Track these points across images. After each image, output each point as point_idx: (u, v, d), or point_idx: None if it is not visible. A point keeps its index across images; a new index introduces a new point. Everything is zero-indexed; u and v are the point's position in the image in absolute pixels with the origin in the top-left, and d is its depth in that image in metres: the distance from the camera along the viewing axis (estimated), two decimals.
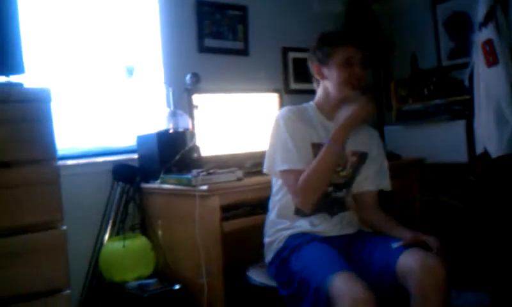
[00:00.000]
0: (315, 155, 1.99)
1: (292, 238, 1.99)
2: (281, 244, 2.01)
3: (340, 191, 2.08)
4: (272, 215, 2.11)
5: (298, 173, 1.97)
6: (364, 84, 2.01)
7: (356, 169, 2.11)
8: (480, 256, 2.88)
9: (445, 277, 1.70)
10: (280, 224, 2.06)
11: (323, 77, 2.06)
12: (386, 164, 2.20)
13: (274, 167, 2.06)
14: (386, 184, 2.18)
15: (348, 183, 2.11)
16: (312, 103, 2.13)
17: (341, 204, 2.09)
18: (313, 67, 2.09)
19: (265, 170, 2.11)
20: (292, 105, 2.12)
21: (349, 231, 2.07)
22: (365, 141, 2.13)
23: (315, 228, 2.01)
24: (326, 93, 2.07)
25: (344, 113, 1.96)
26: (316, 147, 2.00)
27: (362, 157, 2.11)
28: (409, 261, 1.74)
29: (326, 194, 2.04)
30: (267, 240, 2.10)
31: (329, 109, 2.06)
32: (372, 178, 2.14)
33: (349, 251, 1.95)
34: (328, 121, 2.06)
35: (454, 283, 2.76)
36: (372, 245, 1.93)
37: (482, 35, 2.96)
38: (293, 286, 1.83)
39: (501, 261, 2.78)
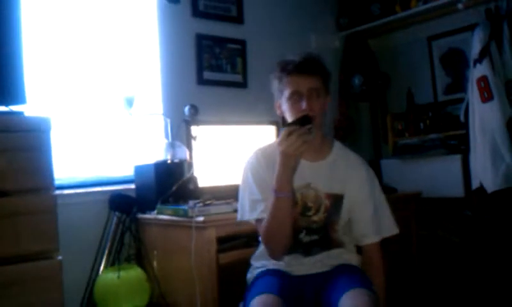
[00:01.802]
0: None
1: (257, 275, 1.96)
2: (249, 283, 2.00)
3: (316, 234, 1.97)
4: (255, 253, 2.09)
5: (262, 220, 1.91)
6: (316, 115, 1.83)
7: (330, 213, 1.94)
8: (478, 290, 2.87)
9: None
10: (257, 263, 2.04)
11: (281, 113, 1.97)
12: (383, 204, 2.02)
13: (243, 217, 1.99)
14: (387, 230, 2.01)
15: (324, 227, 1.96)
16: None
17: (323, 245, 1.97)
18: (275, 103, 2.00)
19: (238, 218, 2.02)
20: (262, 147, 2.04)
21: (325, 269, 1.95)
22: (344, 180, 1.95)
23: (289, 268, 1.95)
24: None
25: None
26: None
27: (337, 200, 1.95)
28: (346, 303, 1.69)
29: (297, 239, 1.95)
30: (247, 276, 2.08)
31: None
32: (371, 228, 1.97)
33: (317, 290, 1.88)
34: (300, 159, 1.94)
35: None
36: (330, 284, 1.85)
37: (477, 71, 3.02)
38: None
39: (497, 296, 2.77)
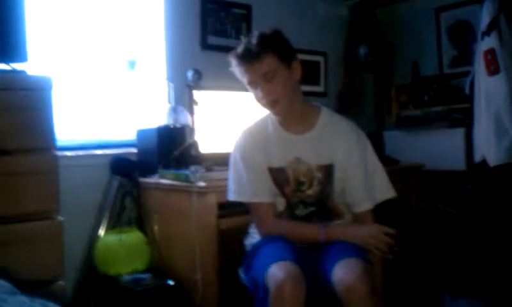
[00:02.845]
0: (272, 178, 1.95)
1: (256, 242, 1.98)
2: (248, 249, 2.02)
3: (313, 206, 1.99)
4: (251, 224, 2.11)
5: (254, 204, 1.97)
6: (279, 95, 1.89)
7: (324, 185, 1.96)
8: (474, 264, 2.88)
9: (366, 291, 1.65)
10: (253, 234, 2.07)
11: None
12: (376, 168, 2.02)
13: (230, 197, 2.03)
14: (382, 194, 2.02)
15: (320, 200, 1.98)
16: (270, 114, 2.04)
17: (322, 215, 1.99)
18: None
19: (227, 197, 2.06)
20: (250, 126, 2.07)
21: None
22: (334, 148, 1.96)
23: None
24: None
25: (359, 230, 1.87)
26: (273, 171, 1.95)
27: (328, 170, 1.96)
28: (338, 273, 1.71)
29: (294, 214, 1.99)
30: (244, 242, 2.11)
31: (284, 120, 1.99)
32: (362, 195, 1.97)
33: (310, 257, 1.90)
34: (287, 133, 1.98)
35: (448, 290, 2.77)
36: (324, 253, 1.87)
37: (485, 44, 2.97)
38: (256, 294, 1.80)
39: (494, 269, 2.78)
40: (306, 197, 1.96)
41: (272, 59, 1.86)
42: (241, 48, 1.88)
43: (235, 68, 1.93)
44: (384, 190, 2.02)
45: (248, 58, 1.86)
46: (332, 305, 1.73)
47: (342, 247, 1.83)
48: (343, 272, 1.69)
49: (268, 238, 1.93)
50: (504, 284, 2.70)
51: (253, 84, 1.90)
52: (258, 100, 1.93)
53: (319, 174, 1.94)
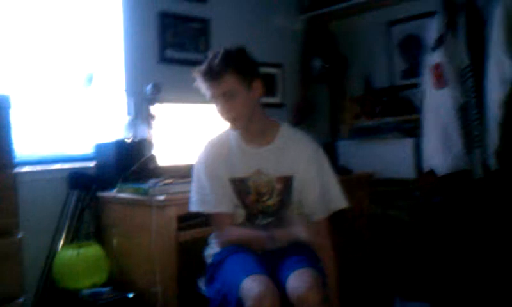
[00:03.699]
0: (234, 189, 2.02)
1: (219, 253, 2.03)
2: (210, 260, 2.07)
3: (272, 217, 2.06)
4: (212, 235, 2.16)
5: (216, 215, 2.03)
6: (237, 114, 1.96)
7: (283, 195, 2.04)
8: (423, 268, 3.02)
9: (318, 300, 1.71)
10: (213, 244, 2.12)
11: None
12: (331, 180, 2.10)
13: (193, 208, 2.09)
14: (336, 204, 2.10)
15: (278, 209, 2.05)
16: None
17: (279, 225, 2.04)
18: None
19: (189, 208, 2.10)
20: (212, 139, 2.13)
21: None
22: (292, 161, 2.04)
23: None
24: None
25: (297, 227, 1.95)
26: (235, 182, 2.02)
27: (288, 182, 2.04)
28: (291, 283, 1.78)
29: (254, 224, 2.05)
30: (204, 253, 2.16)
31: (244, 135, 2.06)
32: (318, 205, 2.06)
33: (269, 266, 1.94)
34: (248, 146, 2.05)
35: (399, 293, 2.89)
36: (281, 262, 1.94)
37: (432, 59, 3.11)
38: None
39: (441, 273, 2.93)
40: (266, 207, 2.04)
41: (232, 78, 1.92)
42: (204, 66, 1.94)
43: (199, 83, 1.99)
44: (339, 201, 2.10)
45: (209, 76, 1.92)
46: None
47: (295, 257, 1.90)
48: (296, 283, 1.76)
49: (231, 249, 1.98)
50: (449, 287, 2.84)
51: (215, 100, 1.96)
52: (220, 114, 2.00)
53: (278, 186, 2.02)
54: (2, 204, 2.05)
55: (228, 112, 1.95)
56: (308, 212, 2.08)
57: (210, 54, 1.98)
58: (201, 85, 1.97)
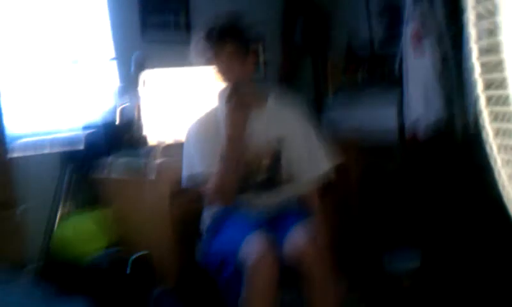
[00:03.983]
0: None
1: (216, 217, 2.11)
2: (205, 228, 2.15)
3: (264, 178, 2.12)
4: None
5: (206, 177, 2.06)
6: (235, 80, 2.00)
7: (274, 160, 2.10)
8: (412, 217, 3.14)
9: (316, 252, 1.82)
10: (208, 208, 2.19)
11: None
12: (319, 141, 2.18)
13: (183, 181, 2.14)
14: (325, 165, 2.16)
15: (271, 173, 2.11)
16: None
17: (272, 185, 2.13)
18: None
19: (182, 183, 2.15)
20: (201, 116, 2.17)
21: (275, 204, 2.13)
22: (281, 126, 2.11)
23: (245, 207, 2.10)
24: None
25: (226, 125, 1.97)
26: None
27: (278, 145, 2.11)
28: (289, 241, 1.88)
29: (247, 183, 2.10)
30: (203, 216, 2.22)
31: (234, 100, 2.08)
32: (308, 167, 2.13)
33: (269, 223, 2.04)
34: None
35: (387, 241, 3.02)
36: (278, 221, 2.04)
37: (410, 27, 3.19)
38: (222, 272, 1.91)
39: (431, 221, 3.05)
40: (259, 169, 2.11)
41: (236, 42, 2.00)
42: (209, 28, 2.00)
43: (200, 45, 2.03)
44: (326, 161, 2.19)
45: (215, 37, 1.99)
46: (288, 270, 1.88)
47: (292, 215, 2.03)
48: (295, 239, 1.87)
49: (225, 216, 2.06)
50: (439, 234, 2.98)
51: (215, 61, 2.01)
52: (217, 76, 2.05)
53: (268, 149, 2.10)
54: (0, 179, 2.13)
55: (223, 76, 2.01)
56: (297, 173, 2.15)
57: (211, 18, 2.03)
58: (202, 46, 2.02)
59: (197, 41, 2.03)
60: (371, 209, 3.39)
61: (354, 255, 2.94)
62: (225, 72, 2.01)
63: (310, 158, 2.15)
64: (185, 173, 2.13)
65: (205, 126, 2.11)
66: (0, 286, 0.94)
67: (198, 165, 2.08)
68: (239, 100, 1.95)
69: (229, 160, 1.96)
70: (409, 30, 3.18)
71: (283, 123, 2.12)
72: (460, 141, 3.03)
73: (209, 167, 2.03)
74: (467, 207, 2.86)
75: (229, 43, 1.98)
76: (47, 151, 2.82)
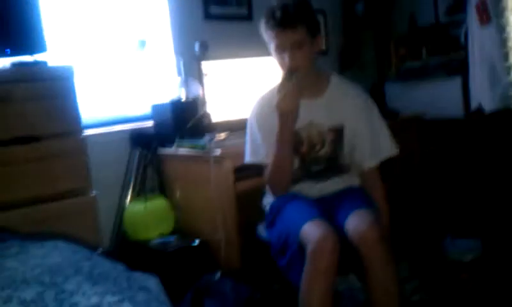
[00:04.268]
0: None
1: (277, 200, 2.13)
2: (268, 207, 2.19)
3: (324, 164, 2.13)
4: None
5: (266, 164, 2.11)
6: (301, 64, 1.97)
7: (335, 145, 2.11)
8: (474, 206, 3.08)
9: (377, 237, 1.80)
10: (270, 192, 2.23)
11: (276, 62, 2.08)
12: (381, 127, 2.16)
13: (247, 160, 2.19)
14: (386, 151, 2.16)
15: (331, 158, 2.12)
16: None
17: (332, 172, 2.15)
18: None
19: (244, 160, 2.20)
20: (264, 94, 2.18)
21: (333, 191, 2.13)
22: (343, 111, 2.10)
23: (303, 192, 2.13)
24: None
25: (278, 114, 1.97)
26: None
27: (339, 132, 2.10)
28: (351, 223, 1.88)
29: (307, 170, 2.13)
30: (263, 202, 2.28)
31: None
32: (368, 153, 2.13)
33: (327, 211, 2.04)
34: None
35: (449, 230, 2.98)
36: (337, 206, 2.04)
37: None
38: (284, 253, 1.93)
39: (492, 211, 2.99)
40: (319, 157, 2.13)
41: (304, 29, 1.97)
42: (278, 13, 1.95)
43: (265, 30, 2.01)
44: (388, 149, 2.17)
45: (283, 24, 1.95)
46: (347, 254, 1.88)
47: (353, 200, 2.02)
48: (356, 222, 1.87)
49: (288, 197, 2.09)
50: (500, 225, 2.90)
51: (280, 48, 1.99)
52: (281, 64, 2.03)
53: (329, 136, 2.10)
54: (74, 167, 2.26)
55: (293, 61, 1.98)
56: (358, 160, 2.16)
57: (277, 3, 1.99)
58: (269, 32, 1.99)
59: (265, 27, 2.01)
60: (432, 192, 3.33)
61: (415, 241, 2.92)
62: (294, 57, 1.97)
63: (371, 144, 2.13)
64: (248, 149, 2.19)
65: (269, 103, 2.09)
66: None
67: (260, 148, 2.13)
68: (295, 83, 1.96)
69: (284, 142, 1.99)
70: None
71: (345, 108, 2.11)
72: None
73: (269, 147, 2.07)
74: None
75: (300, 27, 1.96)
76: (117, 130, 2.97)
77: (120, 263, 1.12)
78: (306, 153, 2.13)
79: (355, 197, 2.06)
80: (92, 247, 2.22)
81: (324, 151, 2.12)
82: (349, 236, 1.87)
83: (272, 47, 2.02)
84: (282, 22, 1.94)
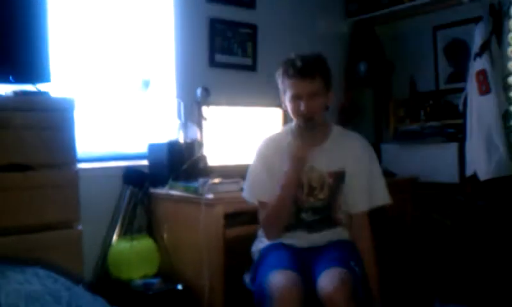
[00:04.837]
0: None
1: (264, 249, 2.14)
2: (257, 255, 2.18)
3: (319, 214, 2.15)
4: (259, 229, 2.27)
5: (261, 203, 2.13)
6: (315, 114, 2.04)
7: (334, 189, 2.13)
8: (464, 271, 3.05)
9: (343, 298, 1.79)
10: (261, 238, 2.23)
11: (285, 107, 2.14)
12: (378, 176, 2.19)
13: (246, 196, 2.20)
14: (380, 199, 2.17)
15: (328, 205, 2.14)
16: (290, 126, 2.21)
17: (325, 223, 2.16)
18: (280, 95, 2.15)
19: (242, 195, 2.22)
20: (271, 135, 2.23)
21: (323, 243, 2.13)
22: (343, 157, 2.13)
23: (292, 241, 2.13)
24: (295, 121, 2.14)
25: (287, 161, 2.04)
26: (281, 177, 2.09)
27: (339, 176, 2.13)
28: (321, 282, 1.87)
29: (300, 218, 2.14)
30: (252, 249, 2.27)
31: (300, 136, 2.13)
32: (362, 198, 2.15)
33: (308, 261, 2.05)
34: (301, 144, 2.11)
35: (438, 295, 2.94)
36: (316, 259, 2.03)
37: (477, 65, 3.15)
38: (262, 302, 1.93)
39: (481, 277, 2.96)
40: (317, 201, 2.13)
41: (321, 80, 2.04)
42: (299, 63, 2.01)
43: (283, 79, 2.07)
44: (382, 197, 2.19)
45: (303, 73, 2.00)
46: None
47: (330, 256, 2.01)
48: (324, 282, 1.86)
49: (272, 246, 2.11)
50: (489, 291, 2.87)
51: (298, 98, 2.03)
52: (296, 112, 2.07)
53: (329, 180, 2.13)
54: (65, 199, 2.23)
55: (309, 111, 2.03)
56: (350, 203, 2.16)
57: (296, 55, 2.05)
58: (287, 80, 2.04)
59: (283, 75, 2.06)
60: (422, 255, 3.31)
61: (404, 303, 2.88)
62: (310, 106, 2.02)
63: (367, 189, 2.16)
64: (246, 183, 2.20)
65: (275, 145, 2.16)
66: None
67: (259, 186, 2.14)
68: (309, 136, 2.06)
69: (289, 185, 2.05)
70: (475, 67, 3.14)
71: (347, 153, 2.15)
72: None
73: (268, 185, 2.11)
74: None
75: (318, 78, 2.02)
76: (111, 166, 2.96)
77: (99, 297, 1.11)
78: (305, 196, 2.13)
79: (337, 252, 2.05)
80: (75, 279, 2.19)
81: (323, 194, 2.13)
82: (318, 293, 1.86)
83: (288, 95, 2.07)
84: (302, 71, 2.01)
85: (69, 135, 2.25)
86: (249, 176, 2.21)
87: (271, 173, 2.12)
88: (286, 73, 2.04)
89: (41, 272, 1.12)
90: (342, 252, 2.05)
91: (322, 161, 2.12)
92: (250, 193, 2.19)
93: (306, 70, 2.01)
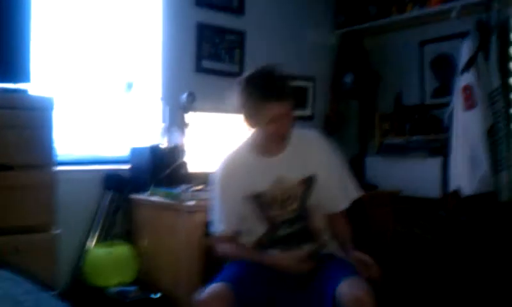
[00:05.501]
0: (256, 203, 2.06)
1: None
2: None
3: (294, 225, 2.09)
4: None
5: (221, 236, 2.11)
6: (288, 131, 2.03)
7: (305, 197, 2.08)
8: (445, 287, 3.04)
9: (373, 304, 1.77)
10: None
11: (251, 127, 2.09)
12: (345, 170, 2.18)
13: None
14: (355, 193, 2.17)
15: (300, 215, 2.09)
16: (249, 140, 2.15)
17: (302, 237, 2.09)
18: (243, 116, 2.08)
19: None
20: (230, 153, 2.18)
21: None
22: (309, 161, 2.10)
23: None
24: (257, 135, 2.09)
25: (281, 257, 2.01)
26: (257, 196, 2.06)
27: (309, 182, 2.09)
28: (345, 288, 1.81)
29: (275, 235, 2.09)
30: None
31: (262, 148, 2.10)
32: (340, 194, 2.14)
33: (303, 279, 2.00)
34: (263, 157, 2.09)
35: None
36: (322, 273, 1.98)
37: (463, 80, 3.15)
38: None
39: (463, 292, 2.94)
40: (290, 212, 2.08)
41: (291, 100, 2.02)
42: (274, 83, 1.97)
43: (256, 101, 1.98)
44: (356, 190, 2.19)
45: (282, 95, 1.97)
46: None
47: (342, 268, 1.95)
48: (350, 288, 1.81)
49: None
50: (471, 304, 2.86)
51: (276, 118, 1.98)
52: (276, 133, 2.03)
53: (299, 187, 2.08)
54: (42, 201, 2.19)
55: (285, 129, 2.03)
56: (329, 204, 2.13)
57: (266, 77, 2.00)
58: (263, 104, 1.96)
59: (261, 98, 1.96)
60: (402, 269, 3.29)
61: None
62: (284, 126, 2.01)
63: (341, 187, 2.15)
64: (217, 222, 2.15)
65: (234, 167, 2.12)
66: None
67: (216, 211, 2.11)
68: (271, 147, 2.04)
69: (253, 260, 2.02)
70: (462, 82, 3.14)
71: (313, 156, 2.12)
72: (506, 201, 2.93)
73: (223, 216, 2.10)
74: None
75: (291, 98, 2.01)
76: (91, 170, 2.91)
77: (68, 304, 1.06)
78: (278, 211, 2.07)
79: (342, 264, 2.00)
80: (47, 286, 2.13)
81: (294, 206, 2.08)
82: (341, 298, 1.79)
83: (264, 116, 1.98)
84: (281, 93, 1.97)
85: (47, 135, 2.22)
86: (212, 201, 2.16)
87: (227, 197, 2.09)
88: (264, 96, 1.96)
89: (5, 274, 1.06)
90: (350, 266, 1.98)
91: (288, 169, 2.07)
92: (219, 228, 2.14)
93: (284, 91, 1.98)
